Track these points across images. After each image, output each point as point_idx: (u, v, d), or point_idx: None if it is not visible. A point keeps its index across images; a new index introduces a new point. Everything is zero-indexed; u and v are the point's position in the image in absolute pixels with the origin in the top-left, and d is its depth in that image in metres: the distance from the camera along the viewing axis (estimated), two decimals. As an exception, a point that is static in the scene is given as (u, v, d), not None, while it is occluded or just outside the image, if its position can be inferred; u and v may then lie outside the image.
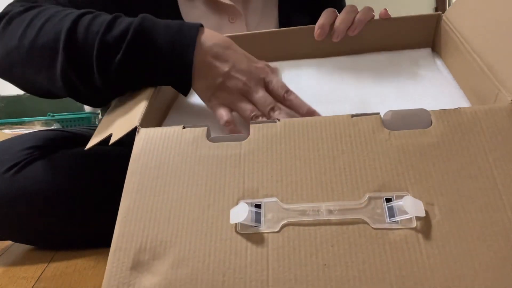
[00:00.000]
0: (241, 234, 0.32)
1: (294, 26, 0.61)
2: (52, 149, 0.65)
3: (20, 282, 0.56)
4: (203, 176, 0.36)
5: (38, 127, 1.61)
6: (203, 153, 0.37)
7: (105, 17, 0.49)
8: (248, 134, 0.38)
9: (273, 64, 0.58)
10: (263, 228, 0.32)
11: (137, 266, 0.32)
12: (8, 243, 0.75)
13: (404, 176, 0.33)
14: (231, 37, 0.55)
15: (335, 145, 0.36)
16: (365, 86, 0.55)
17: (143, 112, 0.43)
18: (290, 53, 0.62)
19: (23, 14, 0.54)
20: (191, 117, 0.53)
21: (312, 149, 0.36)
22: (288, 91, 0.49)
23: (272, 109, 0.47)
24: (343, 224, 0.32)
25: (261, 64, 0.52)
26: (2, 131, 1.47)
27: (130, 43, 0.47)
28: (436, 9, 3.09)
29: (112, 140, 0.42)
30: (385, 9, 0.59)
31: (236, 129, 0.48)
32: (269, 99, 0.48)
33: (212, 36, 0.49)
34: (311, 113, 0.47)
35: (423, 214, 0.31)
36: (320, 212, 0.32)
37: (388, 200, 0.32)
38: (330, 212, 0.32)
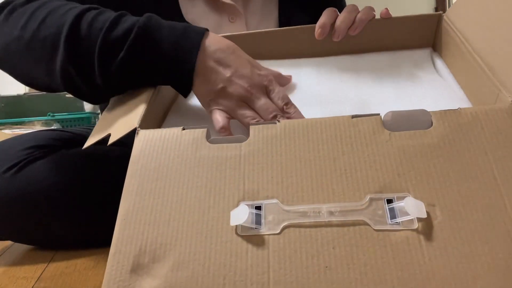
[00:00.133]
0: (242, 236, 0.32)
1: (294, 25, 0.61)
2: (52, 149, 0.64)
3: (20, 282, 0.56)
4: (203, 178, 0.35)
5: (38, 127, 1.61)
6: (203, 155, 0.37)
7: (110, 14, 0.49)
8: (248, 136, 0.37)
9: (273, 65, 0.58)
10: (264, 230, 0.32)
11: (137, 269, 0.32)
12: (8, 243, 0.75)
13: (405, 177, 0.33)
14: (230, 36, 0.54)
15: (336, 146, 0.36)
16: (365, 86, 0.55)
17: (142, 113, 0.43)
18: (290, 53, 0.62)
19: (25, 5, 0.54)
20: (191, 118, 0.53)
21: (313, 150, 0.36)
22: (288, 103, 0.48)
23: (275, 117, 0.46)
24: (344, 226, 0.31)
25: (264, 71, 0.50)
26: (2, 131, 1.46)
27: (133, 42, 0.46)
28: (436, 9, 3.09)
29: (111, 141, 0.41)
30: (386, 9, 0.59)
31: (231, 135, 0.47)
32: (272, 106, 0.47)
33: (217, 41, 0.48)
34: None
35: (424, 215, 0.31)
36: (321, 214, 0.32)
37: (389, 201, 0.32)
38: (331, 213, 0.32)
